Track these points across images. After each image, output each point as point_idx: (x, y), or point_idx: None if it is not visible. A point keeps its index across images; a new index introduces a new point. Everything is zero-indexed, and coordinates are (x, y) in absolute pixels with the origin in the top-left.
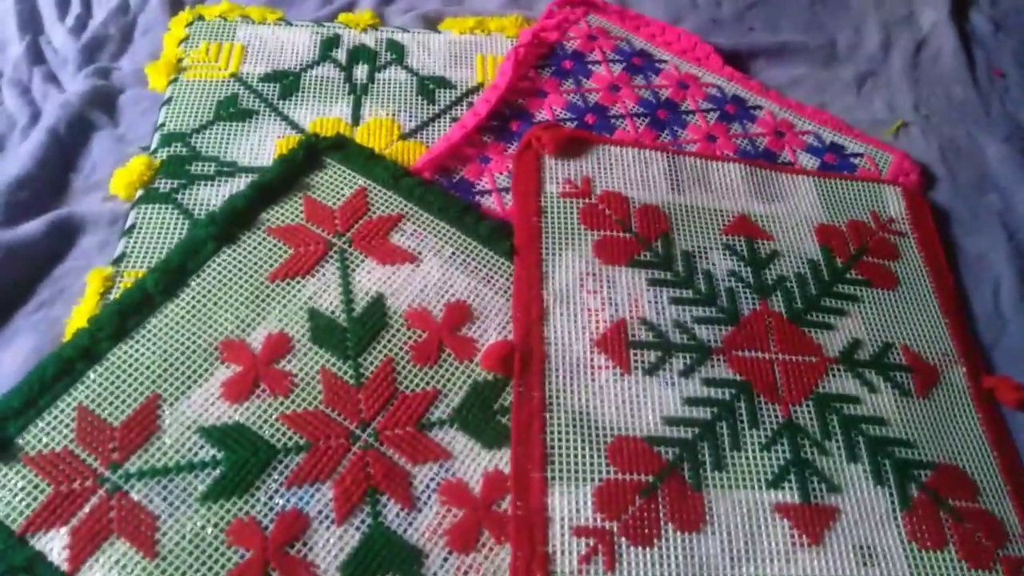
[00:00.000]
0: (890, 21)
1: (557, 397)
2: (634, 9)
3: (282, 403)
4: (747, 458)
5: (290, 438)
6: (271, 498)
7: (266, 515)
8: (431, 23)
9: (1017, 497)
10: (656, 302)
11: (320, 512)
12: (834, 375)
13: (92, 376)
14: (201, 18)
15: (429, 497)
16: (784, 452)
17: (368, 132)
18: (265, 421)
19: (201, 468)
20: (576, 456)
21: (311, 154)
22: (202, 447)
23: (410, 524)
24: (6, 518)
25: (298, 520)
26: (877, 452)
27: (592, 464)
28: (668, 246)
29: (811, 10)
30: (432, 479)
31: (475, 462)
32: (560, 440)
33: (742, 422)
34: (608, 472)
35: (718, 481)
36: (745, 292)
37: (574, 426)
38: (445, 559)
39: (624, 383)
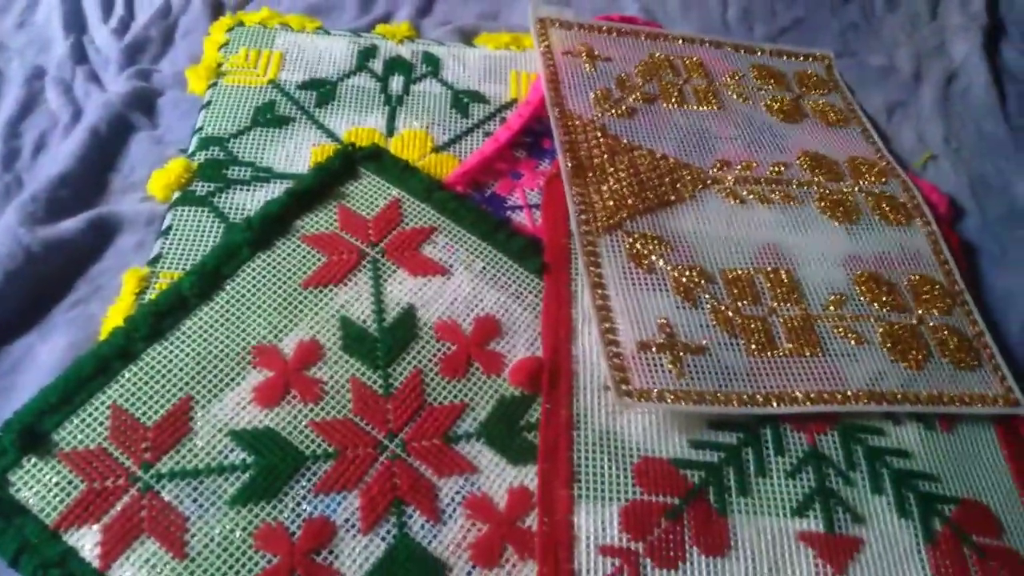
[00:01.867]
0: (922, 52)
1: (584, 416)
2: (666, 29)
3: (312, 410)
4: (772, 485)
5: (319, 445)
6: (299, 504)
7: (293, 521)
8: (467, 37)
9: None
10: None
11: (347, 520)
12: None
13: (127, 375)
14: (241, 24)
15: (454, 510)
16: (809, 480)
17: (402, 143)
18: (295, 427)
19: (231, 471)
20: (602, 475)
21: (347, 163)
22: (233, 450)
23: (435, 537)
24: (40, 512)
25: (325, 527)
26: (901, 485)
27: (618, 483)
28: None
29: (843, 37)
30: (458, 492)
31: (500, 477)
32: (587, 458)
33: (767, 448)
34: (634, 492)
35: (743, 507)
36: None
37: (601, 445)
38: (468, 573)
39: None
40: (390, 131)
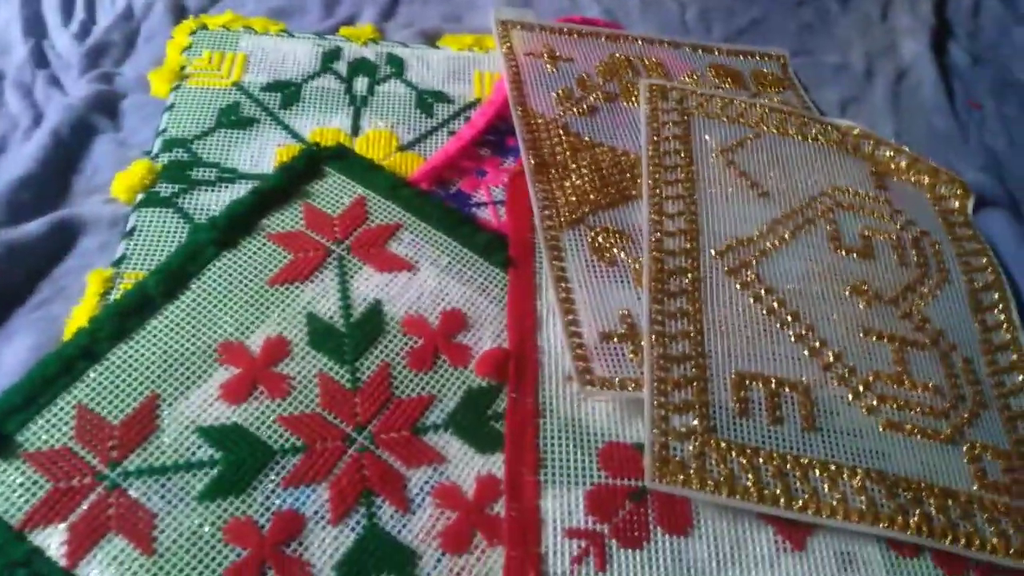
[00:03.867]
0: (873, 51)
1: (550, 404)
2: (626, 30)
3: (280, 405)
4: None
5: (287, 440)
6: (267, 498)
7: (263, 515)
8: (430, 39)
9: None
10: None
11: (316, 512)
12: None
13: (92, 375)
14: (204, 27)
15: (423, 500)
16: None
17: (367, 143)
18: (263, 423)
19: (199, 467)
20: (568, 461)
21: (312, 163)
22: (200, 447)
23: (404, 526)
24: (5, 513)
25: (294, 520)
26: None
27: (584, 469)
28: None
29: (799, 37)
30: (426, 482)
31: (468, 466)
32: (553, 445)
33: None
34: (599, 477)
35: None
36: None
37: (566, 432)
38: (438, 560)
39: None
40: (355, 131)
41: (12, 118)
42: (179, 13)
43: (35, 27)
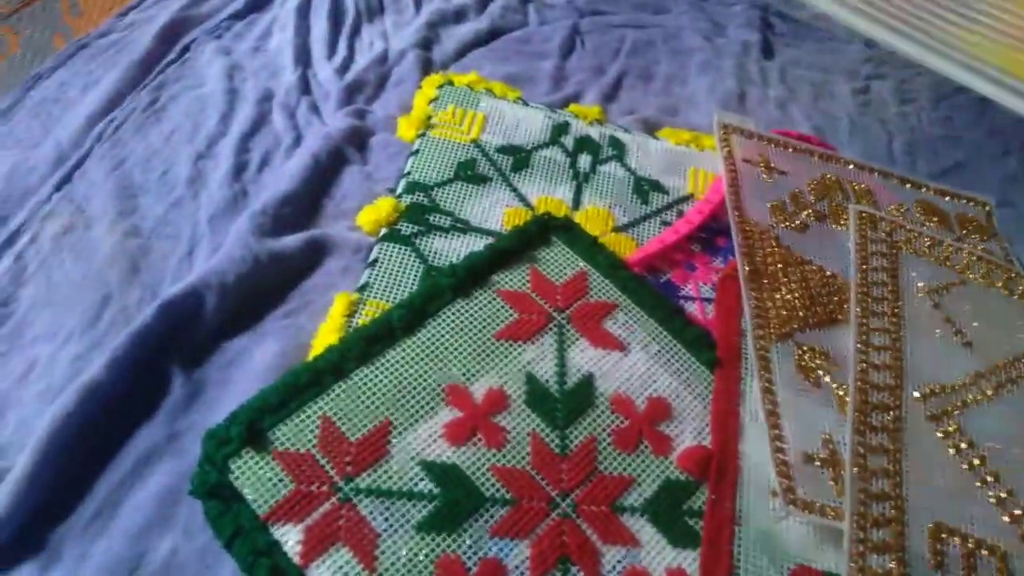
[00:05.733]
0: None
1: (748, 513)
2: (837, 151)
3: (494, 455)
4: None
5: (498, 490)
6: (476, 542)
7: (470, 557)
8: (650, 128)
9: None
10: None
11: (517, 567)
12: None
13: (337, 391)
14: (451, 83)
15: None
16: None
17: (586, 218)
18: (478, 468)
19: (419, 499)
20: (761, 574)
21: (542, 230)
22: (423, 479)
23: None
24: (254, 502)
25: (498, 569)
26: None
27: None
28: None
29: (1001, 186)
30: (620, 562)
31: (660, 555)
32: (747, 555)
33: None
34: None
35: None
36: None
37: (761, 544)
38: None
39: None
40: (576, 204)
41: (276, 135)
42: (426, 64)
43: (303, 56)
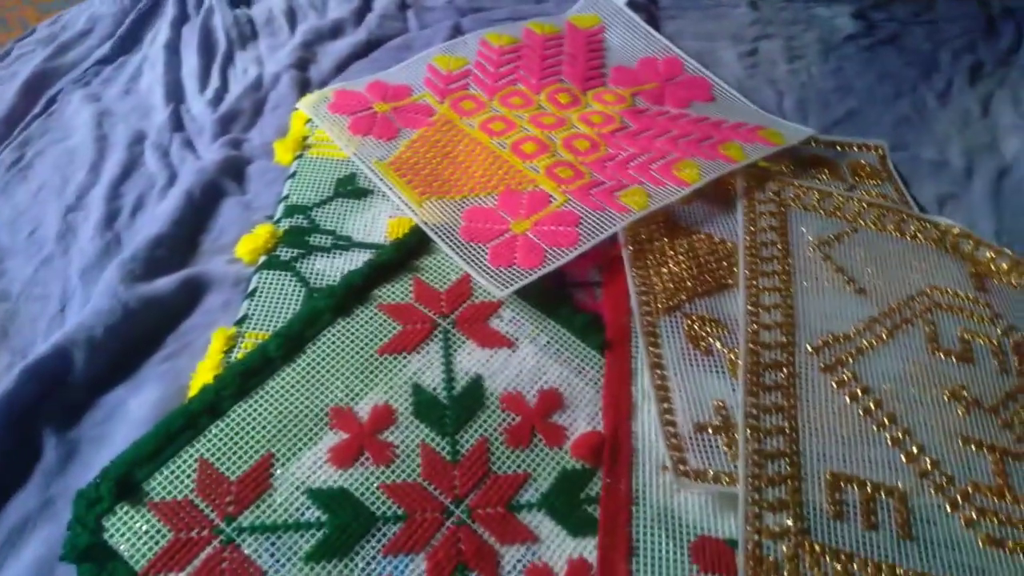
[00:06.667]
0: (973, 147)
1: (643, 492)
2: None
3: (383, 472)
4: None
5: (389, 507)
6: (368, 564)
7: None
8: None
9: None
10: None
11: None
12: None
13: (214, 431)
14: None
15: None
16: None
17: None
18: (367, 488)
19: (307, 528)
20: (661, 552)
21: (422, 239)
22: (309, 508)
23: None
24: (130, 559)
25: None
26: None
27: (675, 560)
28: None
29: (896, 130)
30: (519, 560)
31: (561, 548)
32: (646, 534)
33: None
34: (690, 570)
35: None
36: None
37: (659, 521)
38: None
39: None
40: None
41: (150, 177)
42: (303, 84)
43: (175, 92)
